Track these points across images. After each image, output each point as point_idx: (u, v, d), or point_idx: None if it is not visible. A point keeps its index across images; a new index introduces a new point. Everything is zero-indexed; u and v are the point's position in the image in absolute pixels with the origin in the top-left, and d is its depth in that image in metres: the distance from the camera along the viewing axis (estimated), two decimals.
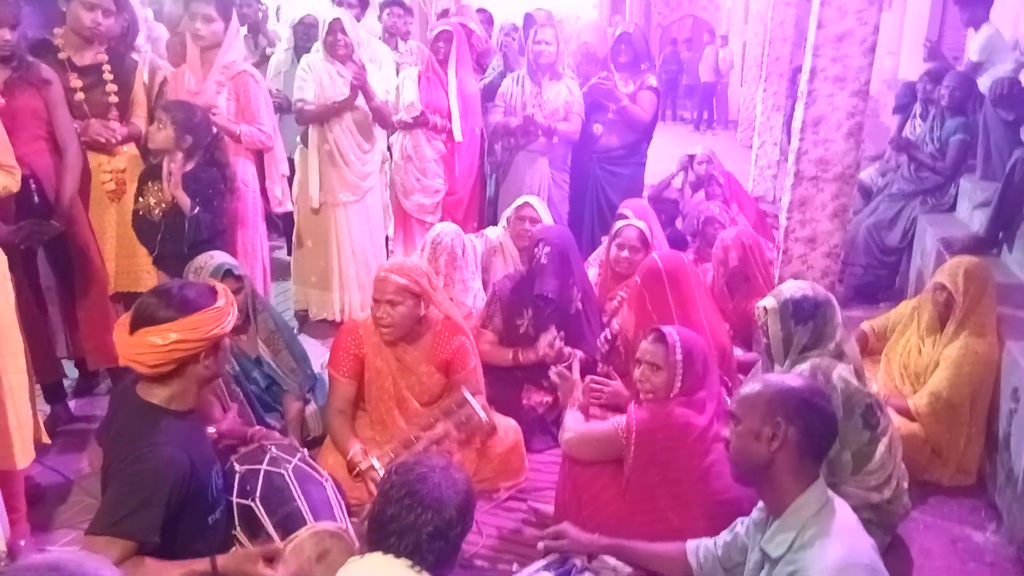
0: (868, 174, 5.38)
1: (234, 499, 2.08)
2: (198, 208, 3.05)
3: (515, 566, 2.42)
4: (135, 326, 1.82)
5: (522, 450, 2.92)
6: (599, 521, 2.33)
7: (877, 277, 4.68)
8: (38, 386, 2.93)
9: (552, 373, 2.74)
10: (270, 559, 1.82)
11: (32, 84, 2.86)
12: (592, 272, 3.84)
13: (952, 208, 4.50)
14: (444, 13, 6.27)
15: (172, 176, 3.04)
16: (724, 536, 2.01)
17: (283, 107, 4.32)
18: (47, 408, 3.18)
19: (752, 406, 1.73)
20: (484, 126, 4.57)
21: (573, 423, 2.50)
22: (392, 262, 2.86)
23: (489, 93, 4.64)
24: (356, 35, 3.93)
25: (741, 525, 1.96)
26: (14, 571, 1.14)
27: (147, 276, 3.30)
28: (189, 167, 3.09)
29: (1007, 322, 3.00)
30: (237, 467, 2.17)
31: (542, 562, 2.22)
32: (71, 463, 2.96)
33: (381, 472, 2.57)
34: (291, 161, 4.18)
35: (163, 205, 3.08)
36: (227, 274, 2.81)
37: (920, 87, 5.16)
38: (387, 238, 4.56)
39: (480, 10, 5.82)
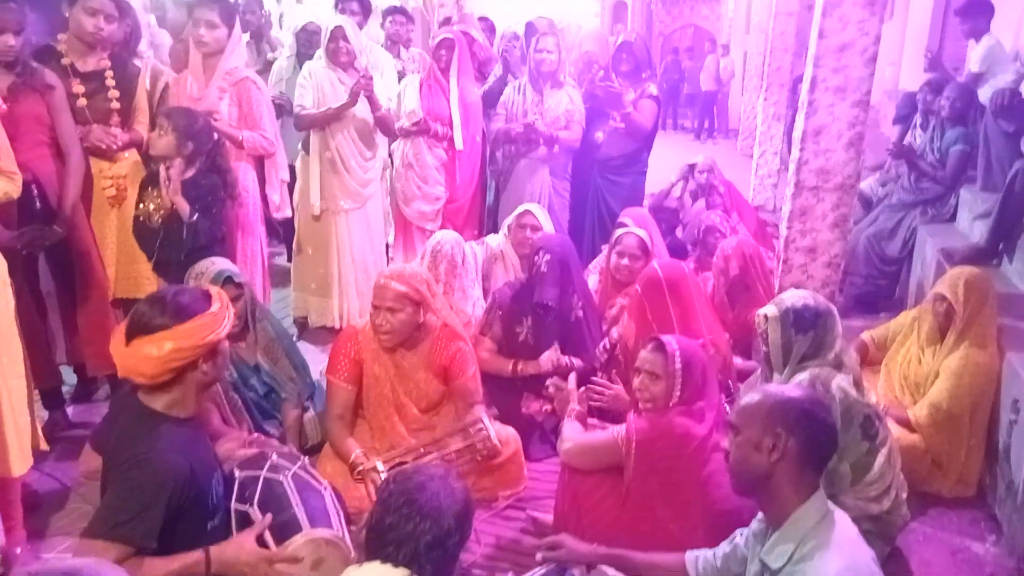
0: (868, 184, 5.39)
1: (232, 505, 2.07)
2: (197, 215, 3.05)
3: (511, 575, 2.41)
4: (131, 336, 1.81)
5: (521, 459, 2.92)
6: (598, 531, 2.32)
7: (877, 287, 4.68)
8: (36, 392, 2.93)
9: (549, 384, 2.73)
10: (261, 538, 1.83)
11: (35, 90, 2.87)
12: (592, 280, 3.84)
13: (952, 218, 4.51)
14: (446, 21, 6.29)
15: (171, 182, 3.04)
16: (723, 547, 2.00)
17: (286, 109, 4.33)
18: (45, 414, 3.18)
19: (752, 416, 1.73)
20: (485, 134, 4.58)
21: (572, 433, 2.49)
22: (392, 269, 2.86)
23: (489, 100, 4.65)
24: (358, 42, 3.94)
25: (740, 536, 1.96)
26: None
27: (147, 282, 3.30)
28: (190, 173, 3.09)
29: (1007, 333, 3.00)
30: (237, 473, 2.16)
31: (540, 570, 2.21)
32: (69, 470, 2.95)
33: (384, 474, 2.57)
34: (292, 168, 4.19)
35: (162, 211, 3.08)
36: (227, 281, 2.80)
37: (921, 98, 5.17)
38: (387, 245, 4.56)
39: (482, 18, 5.83)
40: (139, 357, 1.79)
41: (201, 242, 3.06)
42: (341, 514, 2.17)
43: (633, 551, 2.16)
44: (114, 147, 3.17)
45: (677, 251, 4.58)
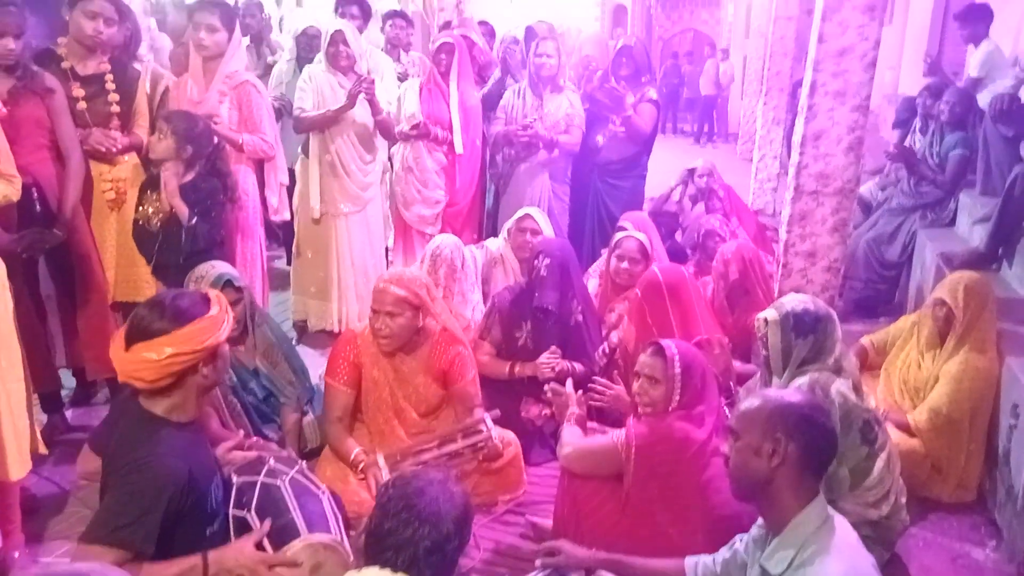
0: (868, 188, 5.39)
1: (230, 510, 2.07)
2: (196, 218, 3.04)
3: None
4: (130, 341, 1.80)
5: (521, 463, 2.91)
6: (597, 536, 2.31)
7: (877, 291, 4.68)
8: (35, 395, 2.92)
9: (547, 389, 2.73)
10: (259, 544, 1.83)
11: (36, 93, 2.87)
12: (592, 284, 3.84)
13: (952, 223, 4.51)
14: (446, 25, 6.31)
15: (167, 185, 3.04)
16: (723, 553, 2.00)
17: (286, 109, 4.33)
18: (44, 417, 3.17)
19: (752, 421, 1.72)
20: (485, 137, 4.58)
21: (571, 437, 2.48)
22: (391, 273, 2.86)
23: (488, 103, 4.65)
24: (358, 46, 3.95)
25: (740, 542, 1.95)
26: None
27: (147, 286, 3.30)
28: (189, 177, 3.09)
29: (1007, 337, 3.00)
30: (235, 478, 2.15)
31: (539, 575, 2.20)
32: (67, 474, 2.94)
33: (385, 470, 2.58)
34: (292, 171, 4.19)
35: (161, 215, 3.08)
36: (227, 284, 2.80)
37: (920, 102, 5.18)
38: (387, 249, 4.56)
39: (481, 22, 5.85)
40: (139, 362, 1.79)
41: (199, 246, 3.06)
42: (339, 518, 2.17)
43: (632, 556, 2.15)
44: (113, 150, 3.17)
45: (676, 255, 4.58)
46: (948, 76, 5.88)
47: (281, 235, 5.22)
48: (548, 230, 3.86)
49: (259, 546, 1.90)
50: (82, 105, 3.12)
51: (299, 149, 4.17)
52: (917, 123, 5.23)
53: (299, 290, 4.26)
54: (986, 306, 2.96)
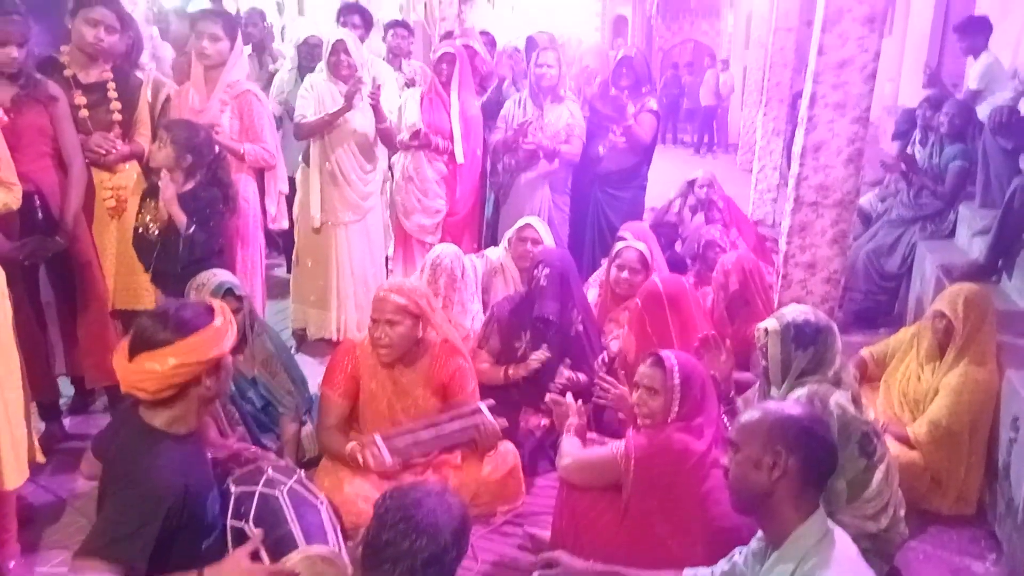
0: (867, 199, 5.40)
1: (228, 521, 2.06)
2: (193, 227, 3.03)
3: None
4: (134, 351, 1.80)
5: (519, 474, 2.90)
6: (596, 547, 2.30)
7: (876, 303, 4.68)
8: (33, 404, 2.91)
9: (548, 399, 2.73)
10: (256, 555, 1.82)
11: (39, 101, 2.88)
12: (592, 293, 3.84)
13: (951, 234, 4.52)
14: (448, 35, 6.32)
15: (165, 194, 3.04)
16: (722, 565, 1.99)
17: (288, 116, 4.34)
18: (42, 425, 3.16)
19: (752, 434, 1.72)
20: (486, 146, 4.58)
21: (570, 448, 2.48)
22: (391, 282, 2.87)
23: (488, 112, 4.66)
24: (359, 56, 3.96)
25: (739, 555, 1.94)
26: None
27: (146, 294, 3.30)
28: (189, 186, 3.09)
29: (1007, 350, 3.00)
30: (233, 488, 2.15)
31: None
32: (64, 483, 2.93)
33: (383, 447, 2.60)
34: (292, 180, 4.20)
35: (158, 223, 3.08)
36: (228, 293, 2.80)
37: (920, 114, 5.19)
38: (387, 258, 4.56)
39: (483, 32, 5.86)
40: (142, 372, 1.78)
41: (196, 255, 3.04)
42: (337, 529, 2.16)
43: (631, 568, 2.15)
44: (112, 151, 3.17)
45: (676, 265, 4.58)
46: (948, 88, 5.90)
47: (281, 243, 5.22)
48: (549, 240, 3.87)
49: (255, 556, 1.89)
50: (84, 113, 3.13)
51: (300, 158, 4.18)
52: (917, 135, 5.25)
53: (298, 299, 4.26)
54: (986, 318, 2.96)
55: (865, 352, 3.49)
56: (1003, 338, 3.03)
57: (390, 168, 4.50)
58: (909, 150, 5.27)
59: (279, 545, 1.92)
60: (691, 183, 5.23)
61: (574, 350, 3.27)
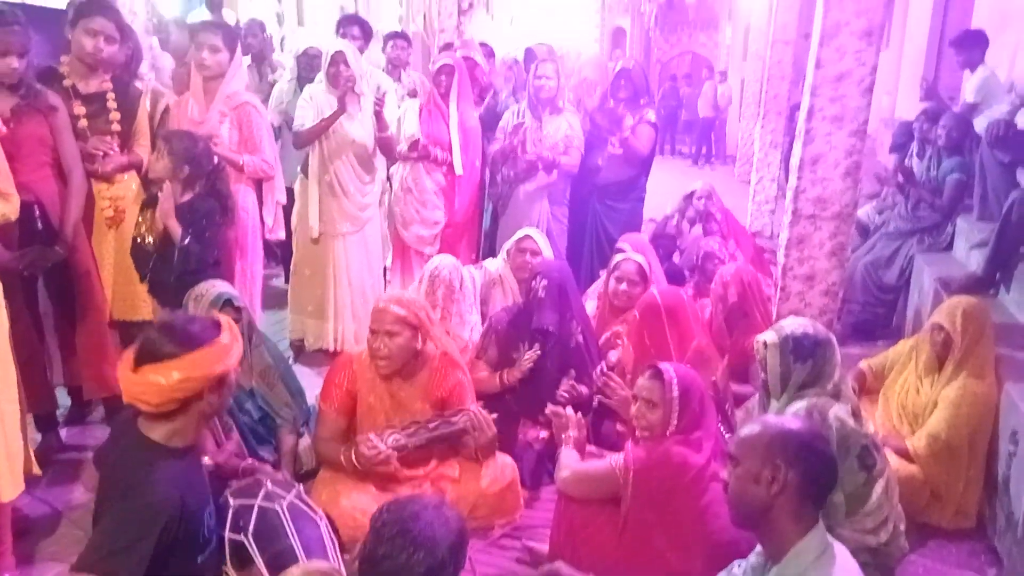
0: (865, 212, 5.41)
1: (226, 534, 2.05)
2: (189, 239, 3.03)
3: None
4: (139, 362, 1.79)
5: (517, 487, 2.89)
6: (594, 560, 2.29)
7: (875, 315, 4.68)
8: (30, 415, 2.90)
9: (548, 411, 2.72)
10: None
11: (39, 111, 2.89)
12: (590, 305, 3.84)
13: (949, 247, 4.52)
14: (447, 46, 6.34)
15: (162, 205, 3.04)
16: None
17: (287, 125, 4.35)
18: (38, 437, 3.14)
19: (751, 448, 1.71)
20: (485, 157, 4.59)
21: (569, 461, 2.47)
22: (391, 294, 2.87)
23: (487, 122, 4.67)
24: (358, 67, 3.97)
25: (739, 568, 1.93)
26: None
27: (144, 304, 3.29)
28: (187, 197, 3.09)
29: (1005, 363, 2.99)
30: (231, 501, 2.13)
31: None
32: (60, 494, 2.92)
33: (377, 440, 2.61)
34: (290, 191, 4.20)
35: (154, 233, 3.08)
36: (226, 304, 2.80)
37: (917, 126, 5.22)
38: (385, 269, 4.56)
39: (481, 44, 5.88)
40: (145, 384, 1.77)
41: (191, 266, 3.03)
42: (336, 544, 2.15)
43: None
44: (110, 152, 3.17)
45: (674, 277, 4.59)
46: (944, 101, 5.92)
47: (279, 253, 5.22)
48: (548, 251, 3.87)
49: (256, 572, 1.87)
50: (83, 123, 3.13)
51: (298, 168, 4.18)
52: (914, 147, 5.26)
53: (296, 309, 4.25)
54: (984, 331, 2.96)
55: (864, 364, 3.49)
56: (1001, 351, 3.03)
57: (388, 179, 4.50)
58: (906, 163, 5.29)
59: (278, 559, 1.90)
60: (689, 195, 5.24)
61: (574, 361, 3.27)
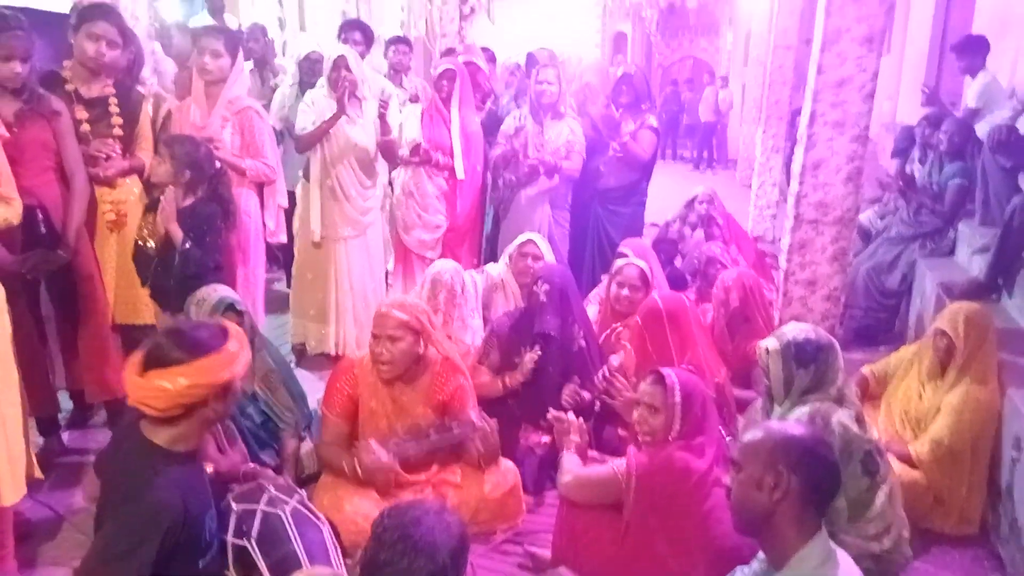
0: (867, 217, 5.41)
1: (229, 539, 2.04)
2: (190, 243, 3.03)
3: None
4: (146, 366, 1.79)
5: (519, 492, 2.88)
6: (596, 566, 2.29)
7: (877, 320, 4.67)
8: (32, 419, 2.90)
9: (550, 416, 2.72)
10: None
11: (42, 116, 2.89)
12: (592, 310, 3.84)
13: (951, 252, 4.52)
14: (449, 51, 6.35)
15: (164, 210, 3.04)
16: None
17: (289, 129, 4.35)
18: (40, 440, 3.14)
19: (754, 454, 1.71)
20: (487, 161, 4.59)
21: (571, 466, 2.47)
22: (393, 298, 2.87)
23: (488, 127, 4.67)
24: (360, 72, 3.97)
25: (741, 574, 1.93)
26: None
27: (146, 308, 3.29)
28: (189, 201, 3.09)
29: (1008, 369, 2.99)
30: (234, 506, 2.13)
31: None
32: (62, 498, 2.91)
33: (378, 448, 2.62)
34: (292, 195, 4.20)
35: (155, 237, 3.08)
36: (228, 309, 2.79)
37: (919, 132, 5.22)
38: (387, 273, 4.56)
39: (483, 48, 5.90)
40: (152, 389, 1.77)
41: (191, 271, 3.03)
42: (339, 550, 2.15)
43: None
44: (112, 155, 3.17)
45: (675, 282, 4.59)
46: (946, 106, 5.92)
47: (281, 257, 5.22)
48: (549, 255, 3.87)
49: None
50: (86, 127, 3.14)
51: (300, 172, 4.18)
52: (916, 152, 5.26)
53: (298, 313, 4.25)
54: (987, 337, 2.95)
55: (866, 370, 3.48)
56: (1004, 356, 3.03)
57: (390, 183, 4.51)
58: (908, 168, 5.29)
59: (282, 564, 1.90)
60: (691, 201, 5.24)
61: (576, 366, 3.26)
